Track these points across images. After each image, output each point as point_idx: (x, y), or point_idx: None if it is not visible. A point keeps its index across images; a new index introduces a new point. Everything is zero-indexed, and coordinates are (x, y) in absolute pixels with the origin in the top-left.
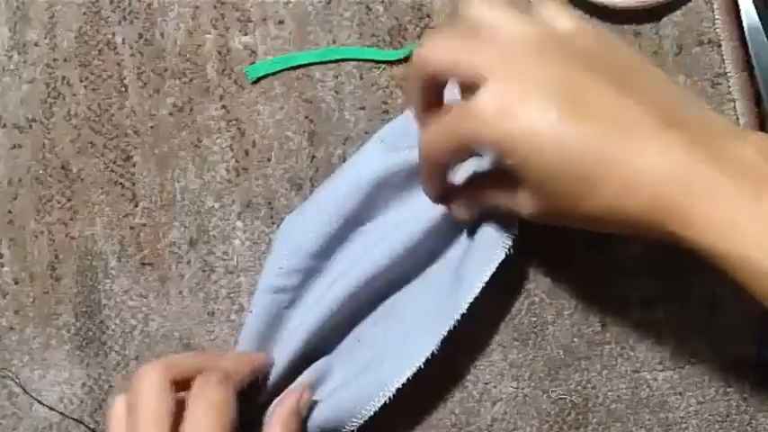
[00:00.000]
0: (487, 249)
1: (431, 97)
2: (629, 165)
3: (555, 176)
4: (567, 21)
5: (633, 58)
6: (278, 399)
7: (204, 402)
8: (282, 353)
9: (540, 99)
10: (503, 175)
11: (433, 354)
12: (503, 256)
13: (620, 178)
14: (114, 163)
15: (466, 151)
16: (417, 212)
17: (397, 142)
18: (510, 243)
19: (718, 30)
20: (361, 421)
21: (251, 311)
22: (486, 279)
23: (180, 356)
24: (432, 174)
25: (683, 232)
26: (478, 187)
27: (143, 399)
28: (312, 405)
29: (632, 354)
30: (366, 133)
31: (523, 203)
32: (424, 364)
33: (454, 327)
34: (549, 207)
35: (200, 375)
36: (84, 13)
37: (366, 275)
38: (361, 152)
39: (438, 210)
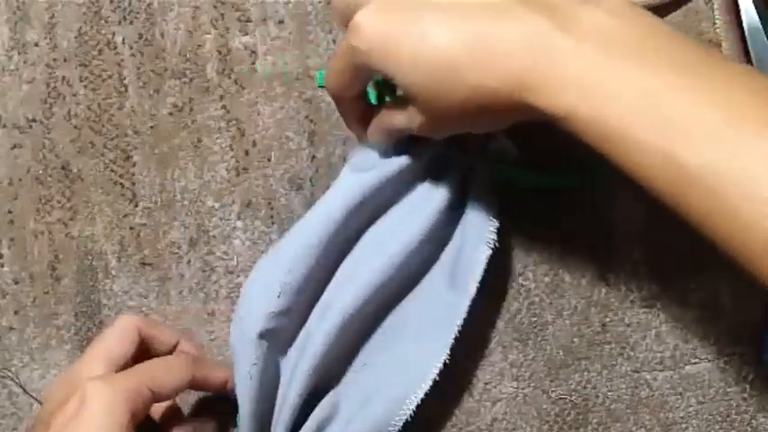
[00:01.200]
0: (474, 249)
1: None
2: (487, 44)
3: (428, 78)
4: None
5: None
6: None
7: (157, 363)
8: (288, 395)
9: (409, 7)
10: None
11: (445, 363)
12: (489, 252)
13: (481, 58)
14: (114, 163)
15: (356, 73)
16: (398, 229)
17: (364, 164)
18: (493, 237)
19: (718, 30)
20: None
21: (237, 371)
22: (479, 279)
23: (161, 326)
24: (345, 111)
25: (535, 99)
26: (382, 113)
27: (107, 334)
28: None
29: (632, 354)
30: None
31: (413, 117)
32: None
33: (458, 332)
34: (432, 112)
35: (157, 341)
36: (84, 13)
37: (359, 299)
38: (332, 185)
39: (421, 220)
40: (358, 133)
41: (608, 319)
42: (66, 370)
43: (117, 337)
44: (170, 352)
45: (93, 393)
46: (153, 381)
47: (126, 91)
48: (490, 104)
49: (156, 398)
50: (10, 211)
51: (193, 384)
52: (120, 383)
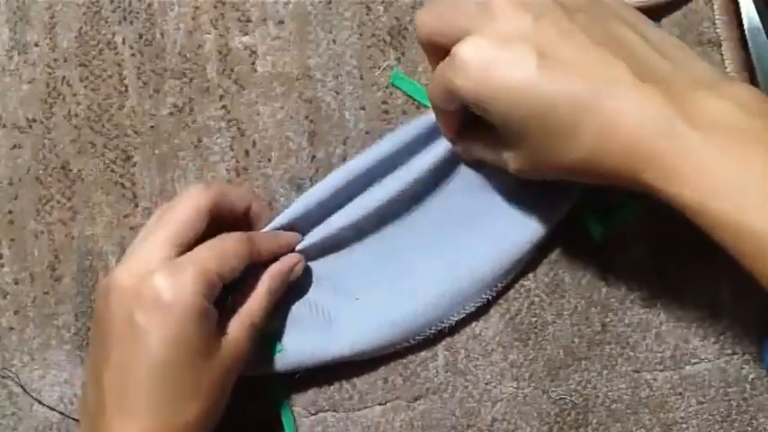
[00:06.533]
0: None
1: (438, 57)
2: (606, 114)
3: (534, 129)
4: None
5: (612, 5)
6: (279, 261)
7: (218, 244)
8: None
9: (516, 51)
10: (487, 131)
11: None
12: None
13: (598, 128)
14: (114, 163)
15: (452, 99)
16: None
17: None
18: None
19: (718, 30)
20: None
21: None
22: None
23: (237, 191)
24: (440, 116)
25: (656, 182)
26: (477, 145)
27: (175, 211)
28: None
29: (632, 354)
30: (366, 133)
31: (508, 159)
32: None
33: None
34: (532, 161)
35: (231, 209)
36: (84, 13)
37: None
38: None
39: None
40: (449, 139)
41: (608, 319)
42: (132, 247)
43: (187, 217)
44: (241, 216)
45: (165, 287)
46: (220, 265)
47: (126, 91)
48: (603, 172)
49: (222, 280)
50: (10, 211)
51: (253, 260)
52: (191, 274)
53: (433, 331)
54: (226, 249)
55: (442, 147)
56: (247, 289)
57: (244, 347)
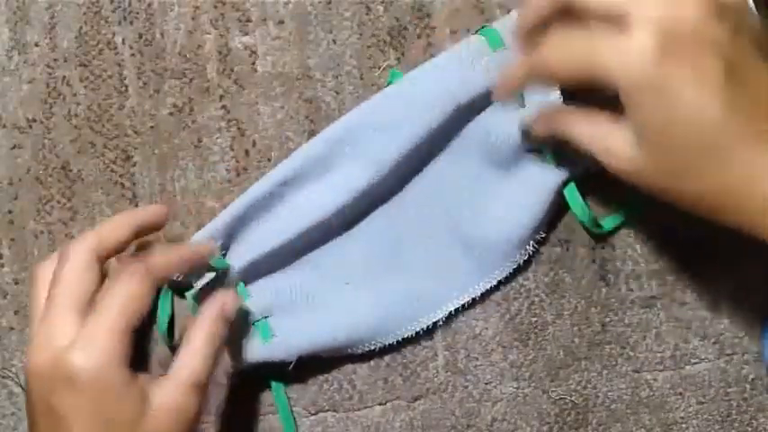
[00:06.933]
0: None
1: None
2: (735, 162)
3: (682, 138)
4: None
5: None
6: (207, 302)
7: (118, 292)
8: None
9: (707, 58)
10: (602, 115)
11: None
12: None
13: (743, 168)
14: (114, 163)
15: (583, 79)
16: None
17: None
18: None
19: None
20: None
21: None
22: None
23: (113, 227)
24: (517, 77)
25: None
26: (572, 120)
27: (65, 274)
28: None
29: (632, 354)
30: None
31: (623, 152)
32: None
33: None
34: (654, 168)
35: (120, 263)
36: (84, 13)
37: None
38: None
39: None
40: (502, 92)
41: (608, 319)
42: (35, 323)
43: (79, 277)
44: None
45: (77, 365)
46: (129, 316)
47: (126, 91)
48: (726, 218)
49: (135, 328)
50: (10, 211)
51: (161, 284)
52: (102, 341)
53: (430, 319)
54: (129, 294)
55: (422, 127)
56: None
57: (188, 410)
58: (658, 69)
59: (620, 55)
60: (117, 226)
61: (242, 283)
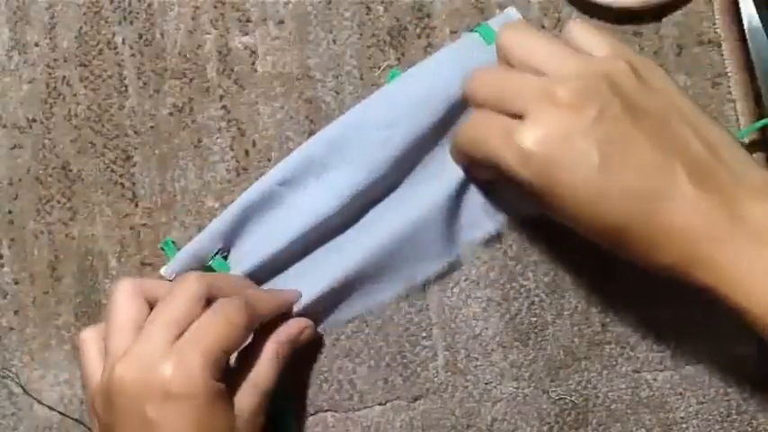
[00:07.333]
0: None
1: (482, 111)
2: (662, 220)
3: (588, 225)
4: (604, 49)
5: (670, 96)
6: (286, 324)
7: (221, 317)
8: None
9: (579, 150)
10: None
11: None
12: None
13: (653, 231)
14: (114, 163)
15: (492, 166)
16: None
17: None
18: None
19: (718, 30)
20: None
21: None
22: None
23: (224, 280)
24: (458, 154)
25: (707, 281)
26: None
27: (176, 297)
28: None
29: (632, 354)
30: None
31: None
32: None
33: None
34: (577, 226)
35: (223, 297)
36: (85, 13)
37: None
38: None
39: None
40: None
41: (608, 319)
42: (126, 347)
43: (186, 309)
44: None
45: (172, 377)
46: (224, 341)
47: (126, 91)
48: (655, 270)
49: (228, 354)
50: (10, 211)
51: (255, 325)
52: (197, 357)
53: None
54: (228, 322)
55: (419, 125)
56: (251, 353)
57: (257, 418)
58: (546, 167)
59: (514, 155)
60: (232, 282)
61: None
